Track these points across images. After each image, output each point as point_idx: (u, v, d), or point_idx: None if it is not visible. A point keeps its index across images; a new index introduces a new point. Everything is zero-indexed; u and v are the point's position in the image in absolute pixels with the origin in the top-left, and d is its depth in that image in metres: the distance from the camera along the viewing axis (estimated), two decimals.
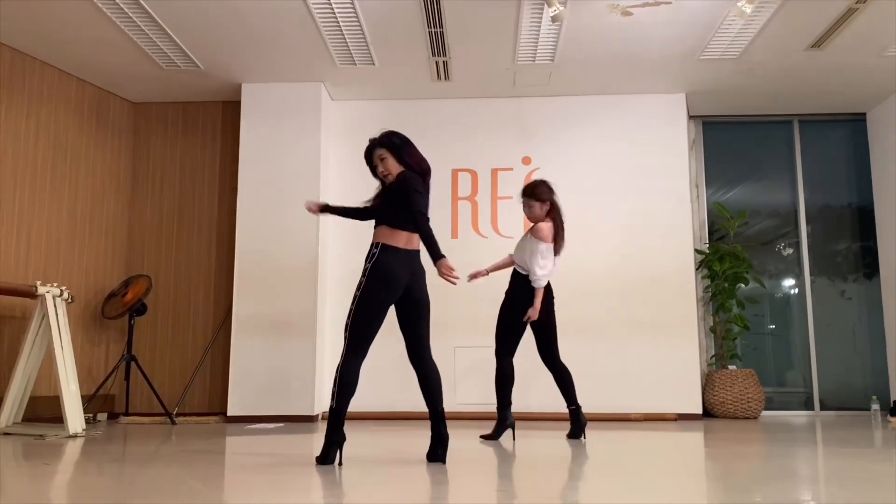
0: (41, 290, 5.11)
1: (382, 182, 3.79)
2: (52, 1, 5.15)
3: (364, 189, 6.79)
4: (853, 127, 7.47)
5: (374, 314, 3.52)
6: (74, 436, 4.85)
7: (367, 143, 3.83)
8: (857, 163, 7.46)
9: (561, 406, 4.82)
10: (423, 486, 3.07)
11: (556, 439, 4.83)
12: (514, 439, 4.70)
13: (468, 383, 6.42)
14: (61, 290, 5.24)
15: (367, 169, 7.18)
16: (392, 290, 3.52)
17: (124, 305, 6.21)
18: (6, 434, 5.01)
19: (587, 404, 5.92)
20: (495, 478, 3.34)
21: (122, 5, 5.22)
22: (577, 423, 4.73)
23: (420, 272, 3.63)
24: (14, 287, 5.25)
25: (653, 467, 3.66)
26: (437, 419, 3.57)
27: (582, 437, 4.72)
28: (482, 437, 4.73)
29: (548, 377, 4.84)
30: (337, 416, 3.49)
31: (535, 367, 4.89)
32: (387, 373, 6.54)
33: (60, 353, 5.04)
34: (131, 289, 6.33)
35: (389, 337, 6.59)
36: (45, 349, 5.25)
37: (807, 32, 5.67)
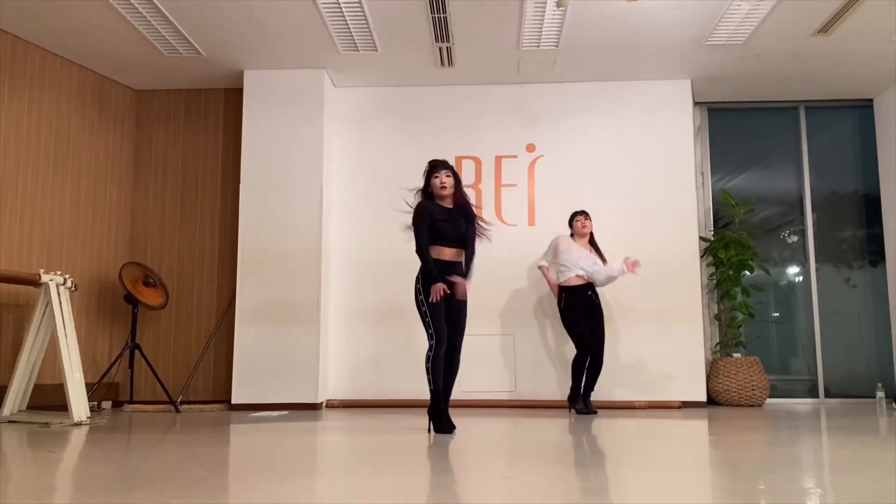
0: (45, 278, 5.11)
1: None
2: None
3: (365, 176, 6.85)
4: (860, 113, 7.41)
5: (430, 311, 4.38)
6: (79, 423, 4.85)
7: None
8: (863, 149, 7.41)
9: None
10: (422, 474, 3.07)
11: (557, 428, 4.82)
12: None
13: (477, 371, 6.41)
14: (65, 279, 5.23)
15: (369, 158, 7.18)
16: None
17: (135, 292, 6.17)
18: (11, 422, 5.02)
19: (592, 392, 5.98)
20: (500, 467, 3.33)
21: None
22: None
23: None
24: (17, 275, 5.25)
25: (657, 455, 3.65)
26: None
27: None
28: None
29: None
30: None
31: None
32: (390, 362, 6.55)
33: (64, 341, 5.04)
34: (155, 290, 6.35)
35: (392, 327, 6.60)
36: (49, 337, 5.26)
37: (813, 17, 5.62)
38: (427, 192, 4.48)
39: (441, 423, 4.30)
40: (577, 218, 5.97)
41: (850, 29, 5.76)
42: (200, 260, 6.84)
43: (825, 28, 5.76)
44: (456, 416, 4.49)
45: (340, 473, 3.09)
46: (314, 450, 3.65)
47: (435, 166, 4.46)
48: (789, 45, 6.08)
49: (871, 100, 7.30)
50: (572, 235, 5.98)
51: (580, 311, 5.78)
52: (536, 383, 6.52)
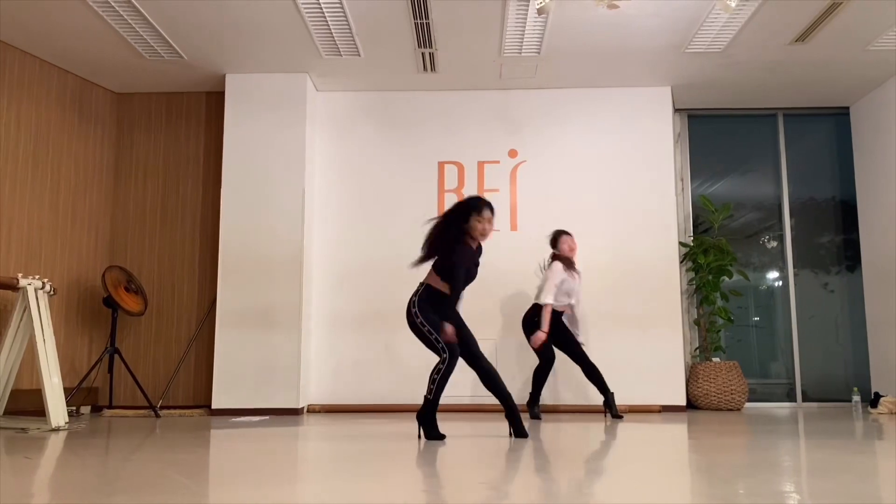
0: (23, 282, 5.06)
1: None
2: None
3: (348, 181, 6.84)
4: (837, 120, 7.51)
5: None
6: (57, 429, 4.81)
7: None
8: (840, 156, 7.51)
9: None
10: (405, 480, 3.07)
11: (538, 433, 4.84)
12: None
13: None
14: (43, 283, 5.19)
15: (352, 163, 7.15)
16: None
17: (116, 296, 6.13)
18: None
19: (573, 397, 6.02)
20: (481, 472, 3.34)
21: None
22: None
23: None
24: None
25: (637, 459, 3.67)
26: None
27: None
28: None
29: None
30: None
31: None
32: (371, 367, 6.54)
33: (42, 346, 4.99)
34: (135, 297, 6.32)
35: (374, 332, 6.56)
36: (27, 342, 5.20)
37: (791, 26, 5.69)
38: (462, 227, 4.18)
39: (433, 430, 4.25)
40: (564, 238, 5.89)
41: (827, 38, 5.85)
42: (181, 264, 6.80)
43: (803, 37, 5.84)
44: (438, 421, 4.48)
45: (321, 478, 3.09)
46: (295, 455, 3.64)
47: (482, 208, 4.18)
48: (768, 53, 6.16)
49: (847, 108, 7.41)
50: (557, 257, 5.89)
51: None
52: (519, 389, 6.52)
